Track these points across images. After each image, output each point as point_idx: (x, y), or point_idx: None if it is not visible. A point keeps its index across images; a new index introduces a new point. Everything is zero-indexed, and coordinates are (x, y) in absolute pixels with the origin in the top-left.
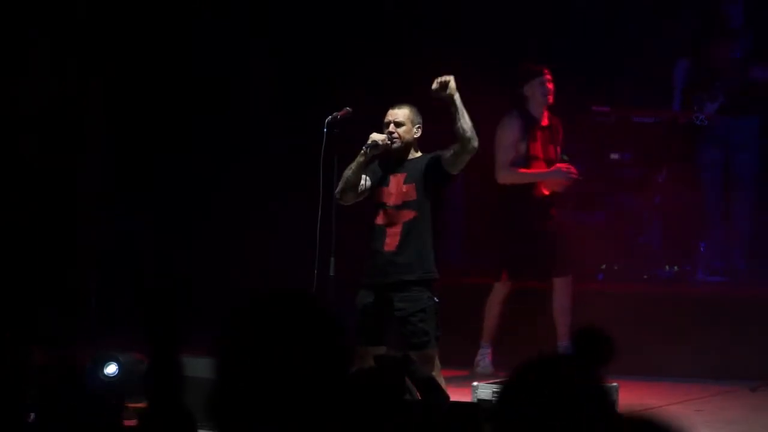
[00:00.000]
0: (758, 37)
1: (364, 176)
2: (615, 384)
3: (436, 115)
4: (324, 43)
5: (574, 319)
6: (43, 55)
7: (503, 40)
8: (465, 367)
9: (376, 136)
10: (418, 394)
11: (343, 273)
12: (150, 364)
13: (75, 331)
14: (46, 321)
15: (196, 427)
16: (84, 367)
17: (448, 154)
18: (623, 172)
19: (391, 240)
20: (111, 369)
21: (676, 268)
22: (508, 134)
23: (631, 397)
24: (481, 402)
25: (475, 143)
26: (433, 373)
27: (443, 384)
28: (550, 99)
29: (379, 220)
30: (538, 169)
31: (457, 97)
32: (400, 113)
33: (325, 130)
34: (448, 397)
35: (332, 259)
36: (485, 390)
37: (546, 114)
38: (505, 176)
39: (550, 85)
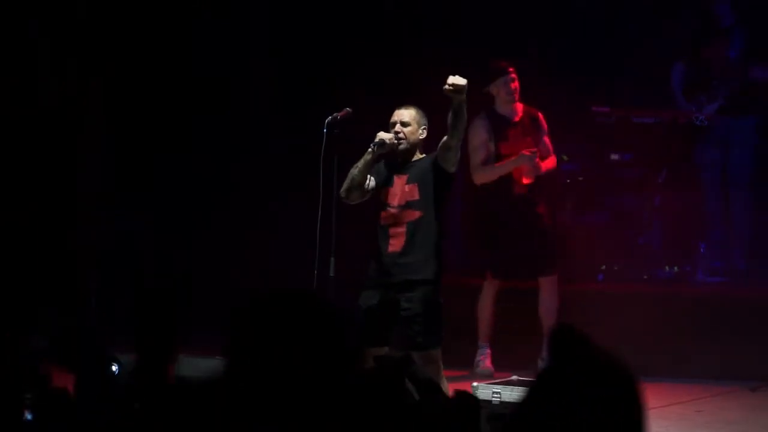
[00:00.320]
0: (754, 36)
1: (369, 176)
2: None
3: (439, 116)
4: (324, 43)
5: (571, 319)
6: (43, 54)
7: (503, 41)
8: (465, 368)
9: (383, 135)
10: (417, 394)
11: (344, 273)
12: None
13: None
14: (46, 321)
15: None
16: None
17: (440, 151)
18: (623, 172)
19: (396, 241)
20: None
21: (676, 268)
22: (476, 136)
23: None
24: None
25: (459, 139)
26: (436, 374)
27: (445, 384)
28: (516, 98)
29: (383, 220)
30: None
31: (464, 101)
32: (407, 114)
33: (325, 130)
34: (448, 399)
35: (332, 259)
36: (485, 390)
37: (519, 109)
38: (479, 176)
39: (514, 85)
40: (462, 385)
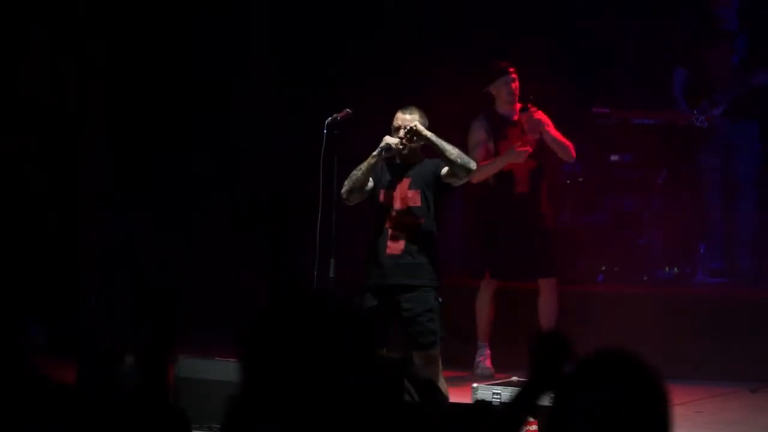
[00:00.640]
0: (756, 41)
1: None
2: None
3: (439, 116)
4: (324, 43)
5: (571, 320)
6: (43, 55)
7: (503, 41)
8: (464, 368)
9: (389, 140)
10: (416, 395)
11: (343, 274)
12: (146, 363)
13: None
14: (46, 320)
15: (190, 427)
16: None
17: (445, 172)
18: (623, 173)
19: (395, 244)
20: None
21: (675, 269)
22: (474, 137)
23: None
24: (482, 402)
25: (471, 165)
26: (436, 374)
27: (445, 385)
28: (516, 98)
29: (384, 223)
30: (510, 166)
31: (429, 134)
32: (411, 118)
33: (324, 131)
34: (447, 399)
35: (332, 260)
36: (485, 391)
37: (518, 108)
38: (475, 175)
39: (515, 85)
40: (462, 386)
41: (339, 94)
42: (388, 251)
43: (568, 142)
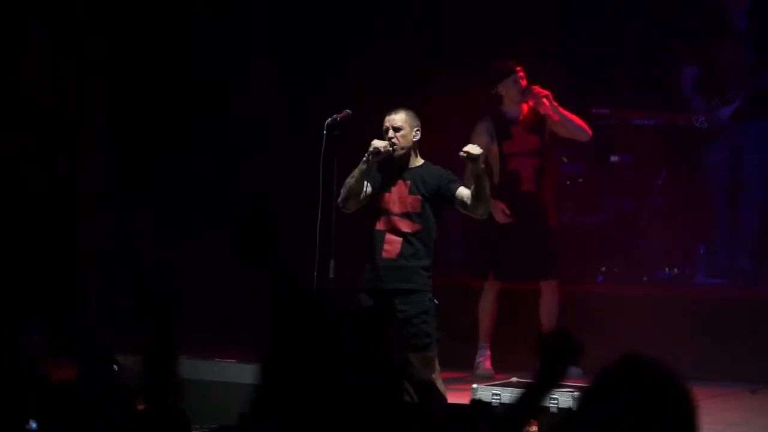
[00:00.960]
0: (763, 41)
1: (365, 183)
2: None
3: (439, 116)
4: (324, 43)
5: (571, 320)
6: (43, 55)
7: (503, 42)
8: (465, 369)
9: (377, 143)
10: (415, 396)
11: (343, 275)
12: (147, 364)
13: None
14: (45, 319)
15: (190, 427)
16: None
17: (458, 199)
18: (623, 174)
19: (391, 247)
20: None
21: (675, 270)
22: (477, 139)
23: None
24: (480, 402)
25: (486, 212)
26: (433, 376)
27: (442, 387)
28: (524, 97)
29: (380, 225)
30: (515, 165)
31: (481, 168)
32: (398, 118)
33: (324, 132)
34: (445, 400)
35: (332, 261)
36: (484, 392)
37: (524, 108)
38: None
39: (524, 82)
40: (462, 387)
41: (339, 94)
42: (384, 255)
43: (580, 120)
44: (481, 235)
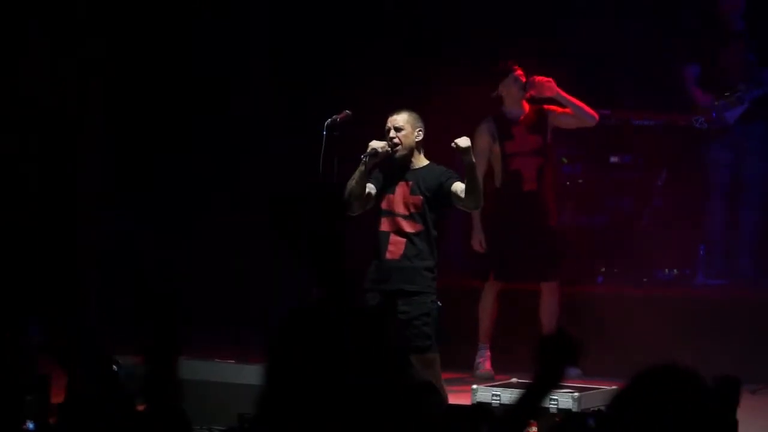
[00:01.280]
0: (761, 42)
1: (368, 185)
2: (615, 387)
3: (439, 116)
4: (324, 43)
5: (571, 321)
6: (43, 55)
7: (503, 42)
8: (465, 369)
9: (375, 144)
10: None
11: (343, 275)
12: (147, 364)
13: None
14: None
15: (190, 427)
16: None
17: (453, 193)
18: (623, 174)
19: (395, 248)
20: None
21: (675, 271)
22: (478, 143)
23: None
24: (481, 405)
25: (480, 205)
26: (435, 377)
27: (444, 388)
28: (525, 94)
29: (384, 226)
30: (517, 165)
31: (473, 161)
32: (399, 118)
33: (324, 132)
34: (446, 401)
35: None
36: (484, 393)
37: (525, 107)
38: None
39: (524, 79)
40: (462, 388)
41: (339, 94)
42: (388, 255)
43: (584, 105)
44: (483, 235)
